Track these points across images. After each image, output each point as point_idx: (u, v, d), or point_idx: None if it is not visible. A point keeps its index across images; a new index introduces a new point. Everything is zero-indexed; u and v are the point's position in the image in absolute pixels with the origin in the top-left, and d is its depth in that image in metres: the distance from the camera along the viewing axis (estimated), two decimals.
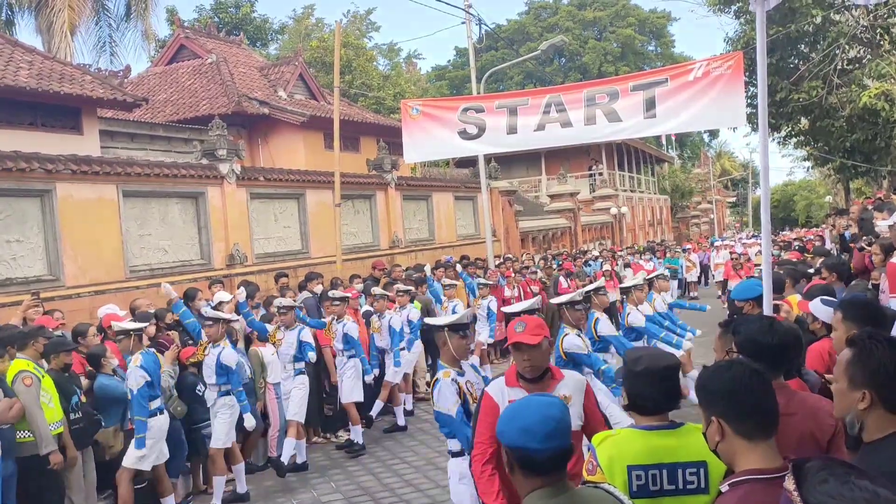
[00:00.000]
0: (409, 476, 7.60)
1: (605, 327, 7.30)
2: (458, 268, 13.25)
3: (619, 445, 2.57)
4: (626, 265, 19.61)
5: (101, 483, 6.71)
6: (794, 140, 23.22)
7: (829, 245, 13.79)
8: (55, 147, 10.71)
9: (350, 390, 8.67)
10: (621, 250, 23.58)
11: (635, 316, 8.29)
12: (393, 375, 9.49)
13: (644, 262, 19.92)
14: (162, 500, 6.75)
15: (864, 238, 8.57)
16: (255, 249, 12.36)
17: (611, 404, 6.08)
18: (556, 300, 6.83)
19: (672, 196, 46.06)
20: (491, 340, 12.10)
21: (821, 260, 8.63)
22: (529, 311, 5.26)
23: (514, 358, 3.52)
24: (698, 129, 8.09)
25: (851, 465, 1.60)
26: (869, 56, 17.94)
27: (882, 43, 17.59)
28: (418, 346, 10.25)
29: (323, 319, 9.08)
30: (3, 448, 5.36)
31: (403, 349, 9.56)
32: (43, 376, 5.91)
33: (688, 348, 8.83)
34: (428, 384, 11.41)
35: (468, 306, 11.62)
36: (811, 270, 8.06)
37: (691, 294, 22.13)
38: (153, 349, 6.91)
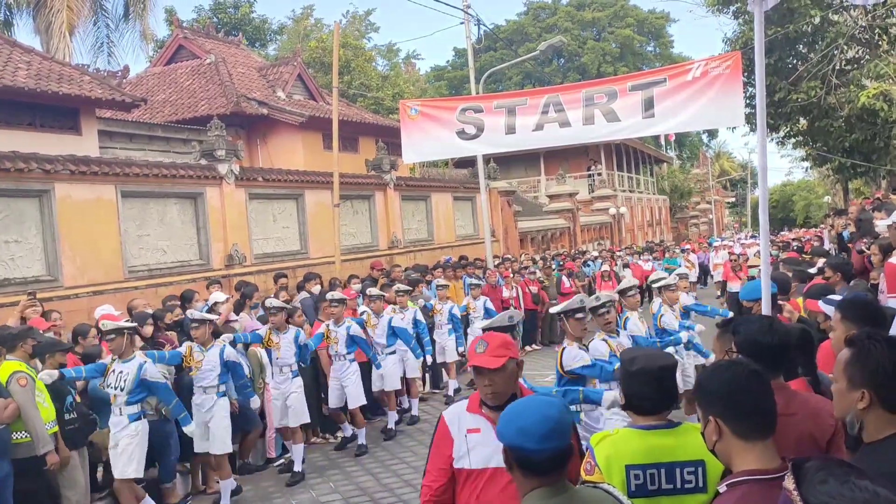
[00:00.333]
0: (407, 476, 7.58)
1: (669, 320, 7.62)
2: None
3: (617, 445, 2.56)
4: (625, 265, 19.63)
5: (98, 484, 6.69)
6: (793, 140, 23.24)
7: (827, 245, 13.79)
8: (53, 147, 10.70)
9: (356, 395, 8.59)
10: (620, 251, 23.60)
11: (669, 318, 7.85)
12: (412, 370, 9.90)
13: (643, 263, 19.94)
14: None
15: (863, 241, 8.55)
16: (254, 250, 12.36)
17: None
18: (554, 309, 6.42)
19: (671, 196, 46.10)
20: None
21: (822, 260, 8.60)
22: (506, 327, 4.93)
23: (476, 382, 3.03)
24: (697, 128, 8.07)
25: (851, 465, 1.59)
26: (867, 56, 17.95)
27: (880, 43, 17.61)
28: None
29: (258, 332, 8.12)
30: None
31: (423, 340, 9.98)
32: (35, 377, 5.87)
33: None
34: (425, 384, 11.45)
35: (462, 306, 11.66)
36: (813, 270, 8.05)
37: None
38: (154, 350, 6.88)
